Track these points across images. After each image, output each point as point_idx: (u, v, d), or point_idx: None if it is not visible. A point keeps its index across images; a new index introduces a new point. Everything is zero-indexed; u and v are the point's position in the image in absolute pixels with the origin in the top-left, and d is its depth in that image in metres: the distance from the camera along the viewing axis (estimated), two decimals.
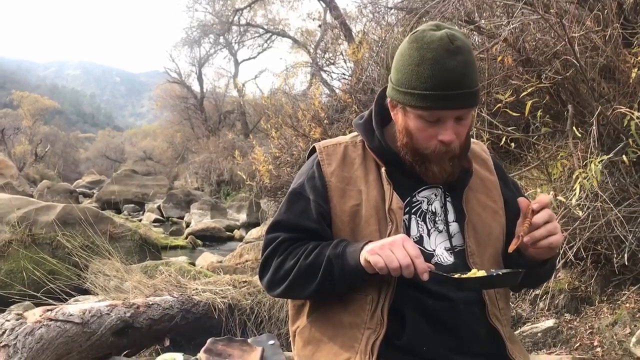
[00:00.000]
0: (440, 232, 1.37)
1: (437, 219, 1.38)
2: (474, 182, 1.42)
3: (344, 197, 1.35)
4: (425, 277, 1.18)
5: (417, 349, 1.27)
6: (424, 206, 1.38)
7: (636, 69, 3.04)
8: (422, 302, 1.28)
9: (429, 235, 1.36)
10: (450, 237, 1.37)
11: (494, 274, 1.23)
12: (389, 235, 1.29)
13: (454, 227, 1.38)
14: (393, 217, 1.31)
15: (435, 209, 1.38)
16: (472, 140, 1.46)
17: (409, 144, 1.32)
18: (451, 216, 1.39)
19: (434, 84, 1.22)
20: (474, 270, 1.26)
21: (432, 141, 1.29)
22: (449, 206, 1.39)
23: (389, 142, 1.38)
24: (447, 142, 1.27)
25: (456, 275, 1.22)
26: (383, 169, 1.36)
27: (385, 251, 1.17)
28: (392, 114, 1.37)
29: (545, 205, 1.25)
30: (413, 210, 1.36)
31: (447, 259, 1.34)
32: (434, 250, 1.35)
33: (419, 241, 1.34)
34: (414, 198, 1.37)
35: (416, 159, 1.32)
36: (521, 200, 1.29)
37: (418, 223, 1.36)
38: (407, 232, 1.34)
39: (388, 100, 1.37)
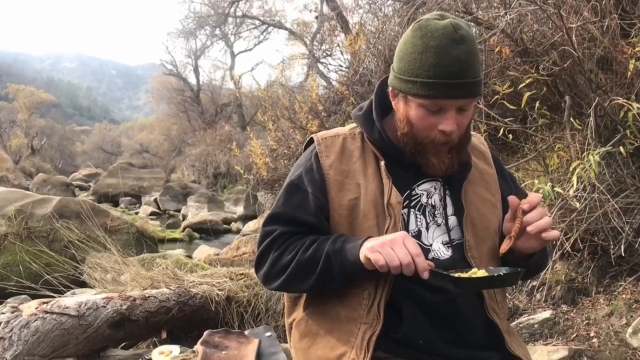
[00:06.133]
0: (438, 225, 1.36)
1: (436, 212, 1.36)
2: (473, 175, 1.40)
3: (342, 190, 1.33)
4: (426, 275, 1.16)
5: (415, 341, 1.26)
6: (424, 199, 1.36)
7: (634, 60, 3.03)
8: (420, 296, 1.27)
9: (427, 229, 1.35)
10: (448, 230, 1.35)
11: (495, 275, 1.22)
12: (387, 230, 1.27)
13: (452, 220, 1.36)
14: (391, 212, 1.29)
15: (434, 202, 1.36)
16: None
17: (409, 134, 1.30)
18: (450, 209, 1.37)
19: (438, 72, 1.19)
20: (474, 270, 1.24)
21: (432, 131, 1.26)
22: (448, 200, 1.37)
23: (389, 134, 1.36)
24: (448, 132, 1.25)
25: (456, 275, 1.20)
26: (382, 163, 1.34)
27: (386, 249, 1.16)
28: (393, 103, 1.35)
29: (535, 204, 1.24)
30: (412, 204, 1.35)
31: (444, 253, 1.33)
32: (431, 245, 1.33)
33: (417, 236, 1.33)
34: (414, 191, 1.35)
35: (417, 149, 1.30)
36: (511, 198, 1.28)
37: (417, 217, 1.35)
38: (406, 226, 1.33)
39: (389, 89, 1.34)
